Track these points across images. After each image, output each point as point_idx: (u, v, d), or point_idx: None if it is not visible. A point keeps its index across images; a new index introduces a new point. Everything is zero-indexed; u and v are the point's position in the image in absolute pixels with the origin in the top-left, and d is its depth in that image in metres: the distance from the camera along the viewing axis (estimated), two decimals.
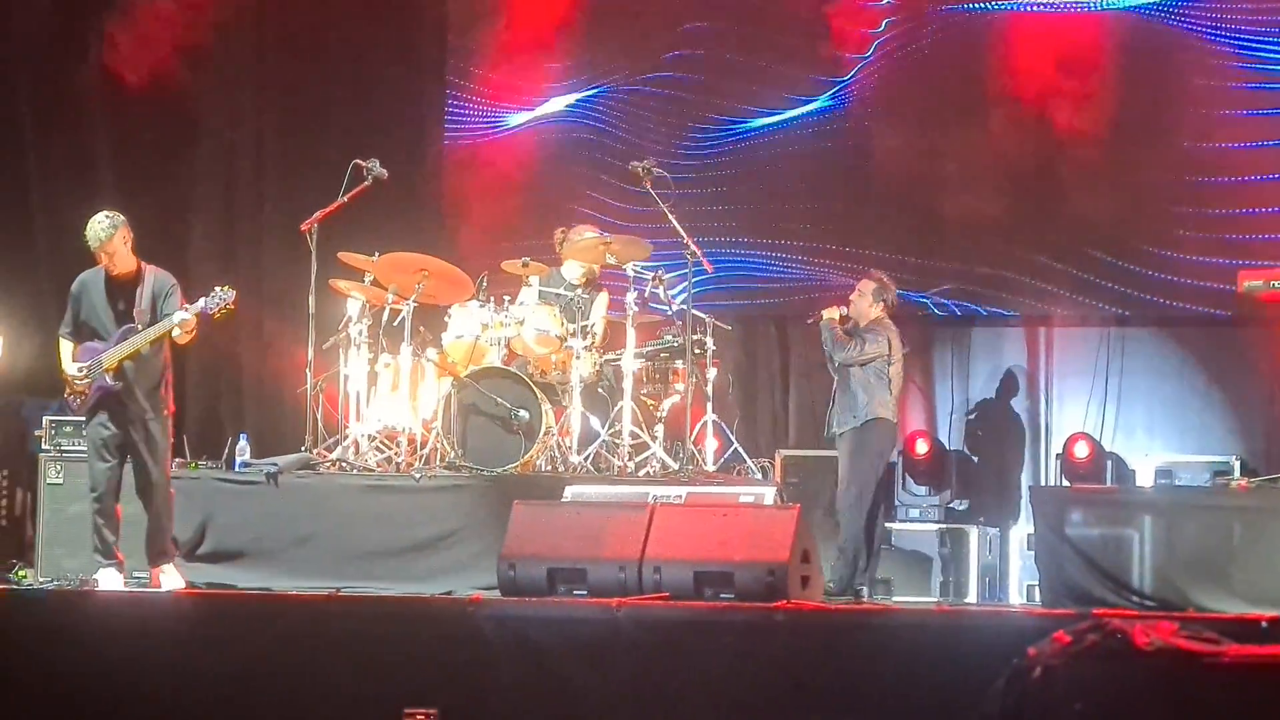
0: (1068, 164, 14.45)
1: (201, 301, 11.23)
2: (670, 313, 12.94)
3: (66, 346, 11.36)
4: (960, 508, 14.01)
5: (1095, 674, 6.53)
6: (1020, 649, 6.73)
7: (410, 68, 16.16)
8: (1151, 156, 14.51)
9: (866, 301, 12.47)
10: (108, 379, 11.16)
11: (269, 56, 16.19)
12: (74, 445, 12.48)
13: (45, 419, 12.87)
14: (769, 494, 11.17)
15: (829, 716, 8.60)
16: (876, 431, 12.15)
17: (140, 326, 11.20)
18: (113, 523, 11.24)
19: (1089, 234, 14.50)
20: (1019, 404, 14.84)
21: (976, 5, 14.91)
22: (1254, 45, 14.34)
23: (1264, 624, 8.25)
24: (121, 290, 11.32)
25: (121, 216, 11.32)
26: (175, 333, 11.20)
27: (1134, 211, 14.50)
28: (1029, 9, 14.81)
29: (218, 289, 11.30)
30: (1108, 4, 14.60)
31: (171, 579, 11.23)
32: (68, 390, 11.33)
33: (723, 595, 9.82)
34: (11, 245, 15.28)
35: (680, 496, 10.86)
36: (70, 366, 11.26)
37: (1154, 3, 14.49)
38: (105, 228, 11.19)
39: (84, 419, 11.43)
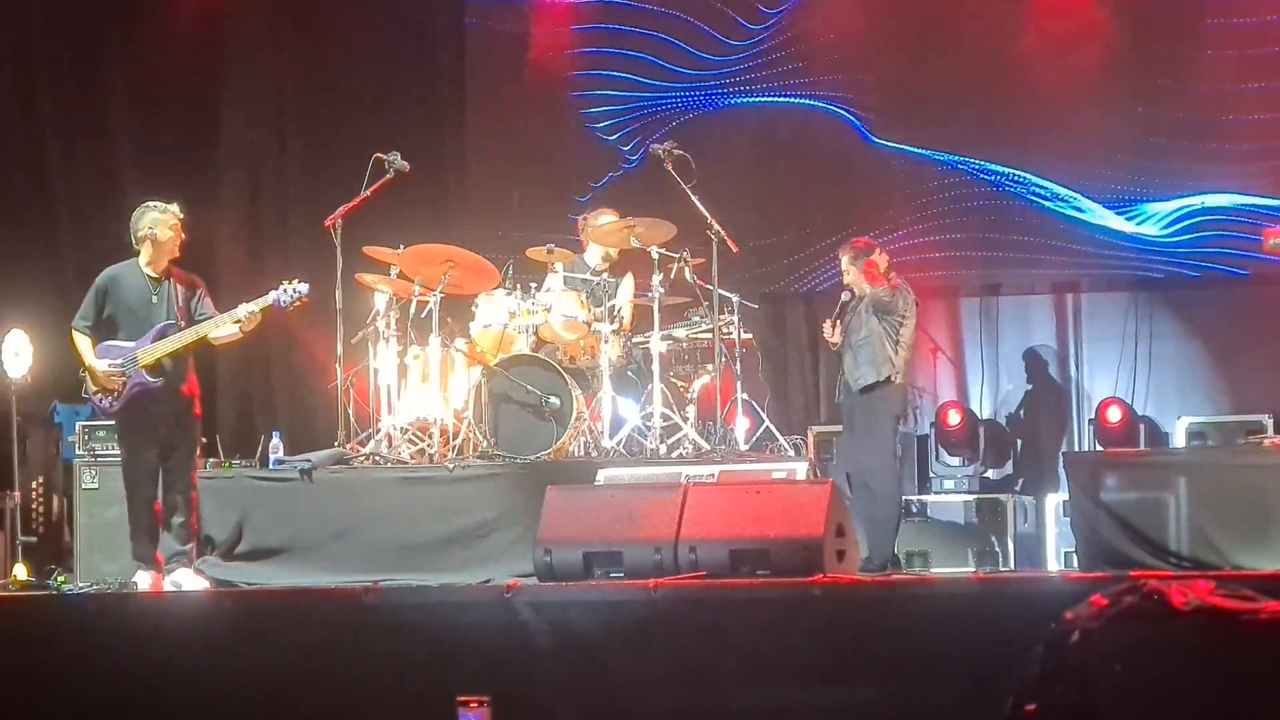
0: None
1: (273, 294, 11.22)
2: (696, 293, 12.92)
3: (84, 341, 11.18)
4: (995, 477, 14.02)
5: (1133, 636, 6.51)
6: (1057, 614, 6.72)
7: (428, 57, 16.20)
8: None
9: (855, 270, 12.21)
10: (146, 376, 11.05)
11: (288, 54, 16.25)
12: (107, 450, 12.51)
13: (78, 424, 12.92)
14: (801, 469, 11.16)
15: (869, 688, 8.60)
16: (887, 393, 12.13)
17: (181, 324, 11.15)
18: (154, 523, 11.18)
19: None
20: (1049, 371, 14.87)
21: None
22: None
23: None
24: (157, 286, 11.25)
25: (177, 208, 11.34)
26: (229, 330, 11.18)
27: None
28: None
29: (287, 283, 11.28)
30: None
31: (190, 581, 11.14)
32: (94, 387, 11.13)
33: (759, 572, 9.81)
34: (38, 251, 15.35)
35: (713, 476, 10.85)
36: (99, 363, 11.07)
37: None
38: (162, 216, 11.19)
39: (114, 418, 11.33)
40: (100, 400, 11.19)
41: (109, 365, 11.07)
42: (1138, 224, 14.63)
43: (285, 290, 11.24)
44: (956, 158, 15.03)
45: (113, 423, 11.79)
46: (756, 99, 15.58)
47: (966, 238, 14.99)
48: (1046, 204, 14.84)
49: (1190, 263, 14.45)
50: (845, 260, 12.27)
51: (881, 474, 11.91)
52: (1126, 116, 14.74)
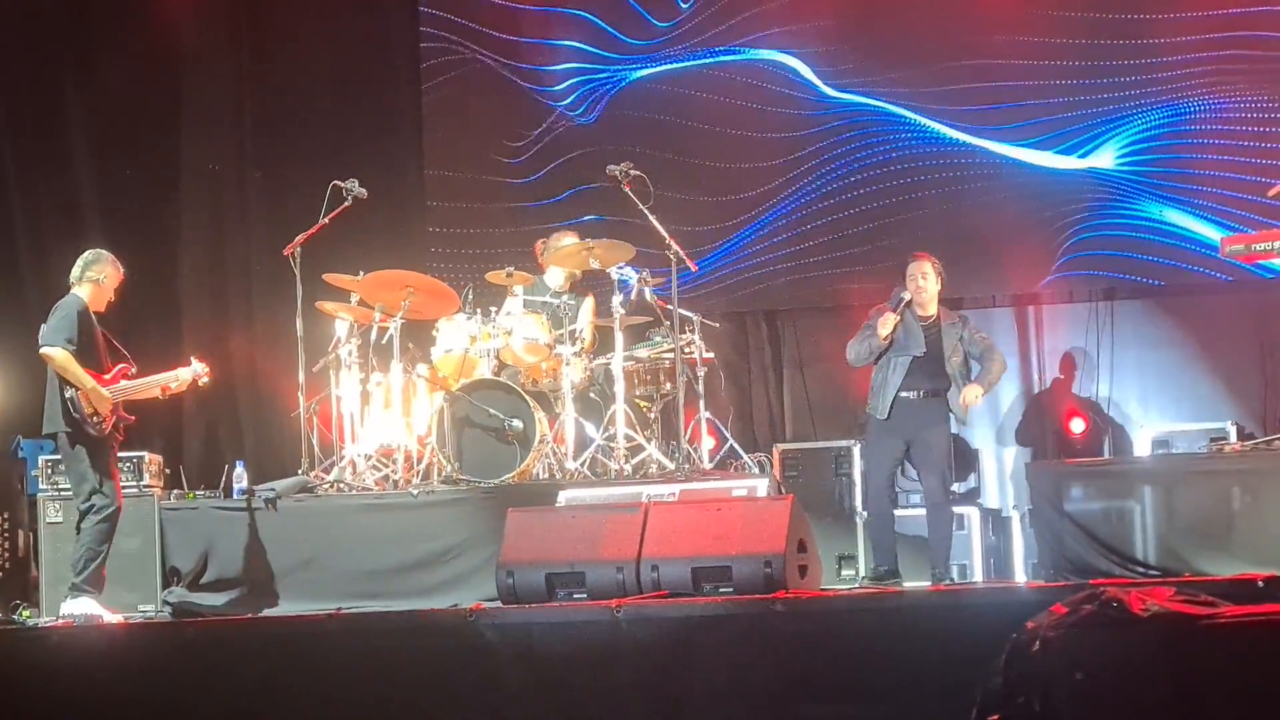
0: None
1: (189, 371, 11.68)
2: (657, 313, 12.91)
3: (74, 361, 11.18)
4: (960, 490, 14.01)
5: (1094, 643, 6.53)
6: (1019, 624, 6.73)
7: (387, 87, 16.21)
8: None
9: (932, 282, 11.86)
10: (123, 414, 11.32)
11: (247, 83, 16.24)
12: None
13: (41, 459, 12.87)
14: (762, 486, 11.16)
15: (834, 704, 8.60)
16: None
17: (133, 367, 11.36)
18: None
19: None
20: (1012, 383, 14.87)
21: None
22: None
23: (1260, 583, 8.26)
24: (105, 327, 11.44)
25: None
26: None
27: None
28: None
29: (197, 362, 11.73)
30: None
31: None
32: (88, 408, 11.14)
33: (721, 589, 9.81)
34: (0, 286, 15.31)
35: (674, 495, 10.85)
36: (102, 388, 11.17)
37: None
38: (113, 267, 11.45)
39: (90, 442, 11.21)
40: (94, 421, 11.17)
41: (110, 393, 11.20)
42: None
43: (196, 368, 11.67)
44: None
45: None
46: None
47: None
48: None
49: (1152, 268, 14.47)
50: (931, 270, 11.86)
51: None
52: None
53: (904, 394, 11.67)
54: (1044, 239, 14.67)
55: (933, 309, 11.82)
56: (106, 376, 11.30)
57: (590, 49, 15.84)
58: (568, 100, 15.84)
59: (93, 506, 11.18)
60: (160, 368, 11.67)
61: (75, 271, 11.46)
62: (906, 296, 11.75)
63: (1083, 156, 14.62)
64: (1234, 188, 14.13)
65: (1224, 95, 14.33)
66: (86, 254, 11.52)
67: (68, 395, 11.16)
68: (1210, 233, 14.05)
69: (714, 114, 15.47)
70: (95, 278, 11.39)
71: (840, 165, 15.24)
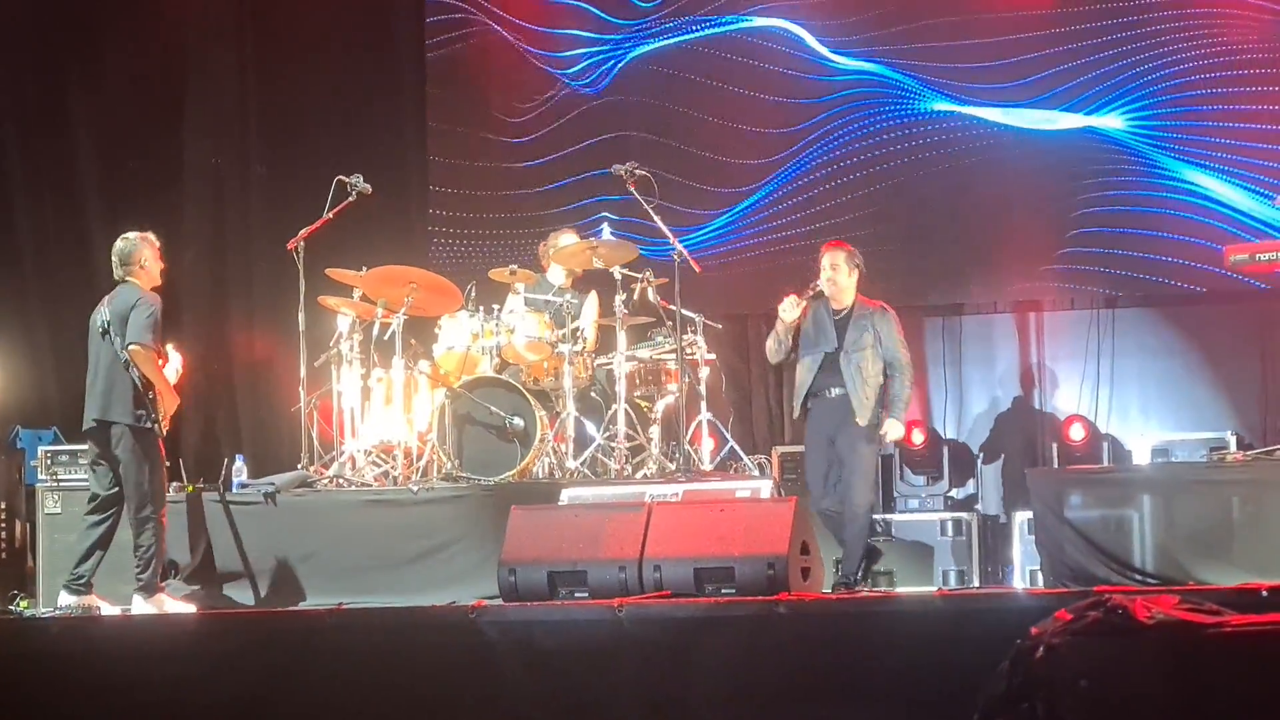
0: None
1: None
2: (660, 313, 12.90)
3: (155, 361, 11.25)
4: (959, 496, 14.03)
5: (1098, 650, 6.51)
6: (1023, 630, 6.72)
7: (392, 83, 16.21)
8: None
9: (845, 273, 11.42)
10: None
11: (251, 79, 16.23)
12: (70, 474, 12.55)
13: (41, 449, 12.88)
14: (765, 488, 11.16)
15: (835, 706, 8.59)
16: None
17: (165, 360, 11.47)
18: None
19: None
20: (1012, 390, 14.88)
21: None
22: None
23: (1264, 592, 8.27)
24: None
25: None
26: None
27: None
28: None
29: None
30: None
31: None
32: (163, 409, 11.21)
33: (724, 590, 9.82)
34: (1, 276, 15.30)
35: (677, 494, 10.85)
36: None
37: None
38: (150, 244, 11.51)
39: (151, 440, 11.22)
40: (159, 422, 11.22)
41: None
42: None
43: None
44: None
45: (75, 447, 12.31)
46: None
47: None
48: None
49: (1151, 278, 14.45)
50: (844, 260, 11.43)
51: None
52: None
53: (816, 393, 11.37)
54: (1051, 217, 14.60)
55: (847, 300, 11.39)
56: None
57: (598, 13, 15.78)
58: (573, 69, 15.80)
59: (143, 503, 11.18)
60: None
61: (122, 258, 11.41)
62: (816, 287, 11.37)
63: (1090, 114, 14.50)
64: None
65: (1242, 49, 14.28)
66: (123, 244, 11.44)
67: (149, 396, 11.16)
68: (1232, 194, 14.03)
69: (722, 79, 15.46)
70: (142, 263, 11.38)
71: (843, 137, 15.19)
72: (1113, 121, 14.50)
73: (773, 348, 11.59)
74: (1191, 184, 14.28)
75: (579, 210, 15.22)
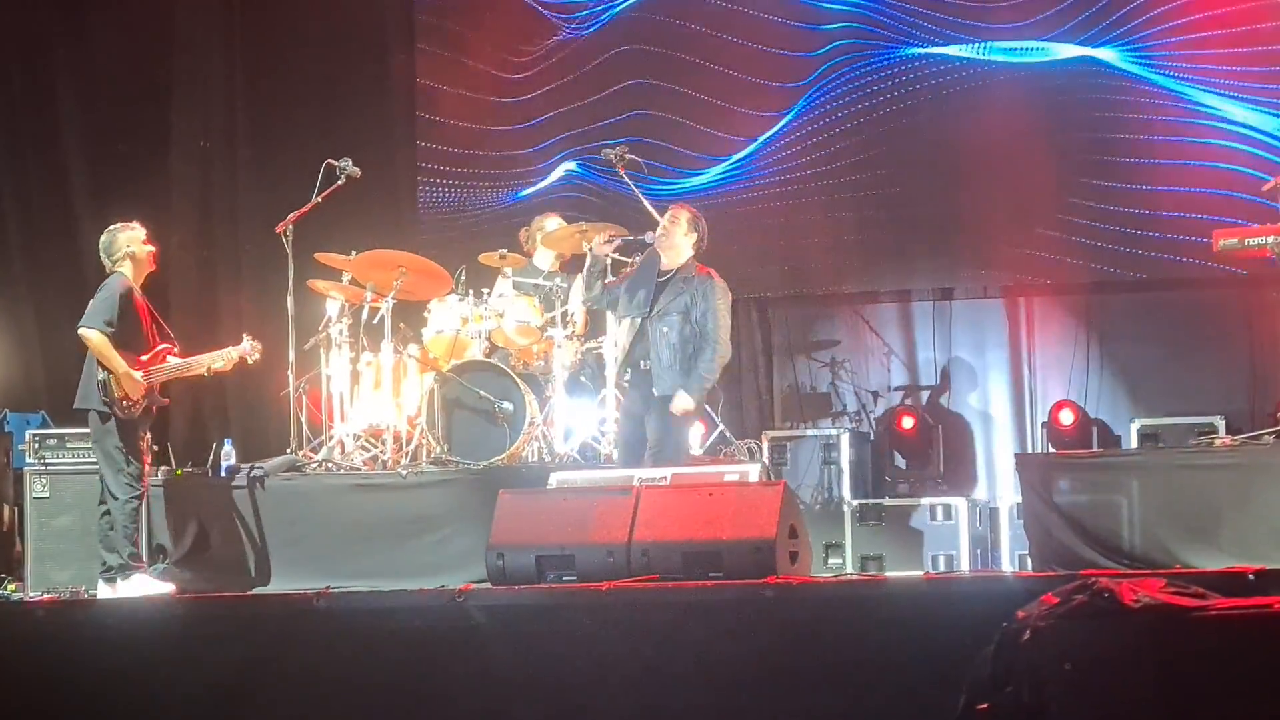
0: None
1: (238, 350, 11.82)
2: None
3: (110, 345, 11.21)
4: (949, 481, 14.04)
5: (1084, 633, 6.54)
6: (1009, 613, 6.74)
7: (380, 65, 16.18)
8: None
9: (681, 231, 11.13)
10: (157, 395, 11.44)
11: (238, 59, 16.20)
12: (58, 459, 12.50)
13: (29, 433, 12.87)
14: (754, 471, 11.14)
15: (823, 689, 8.61)
16: None
17: (176, 347, 11.51)
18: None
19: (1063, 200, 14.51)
20: (1002, 375, 14.88)
21: None
22: None
23: (1251, 575, 8.29)
24: (148, 303, 11.53)
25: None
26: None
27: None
28: None
29: (249, 339, 11.86)
30: None
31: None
32: (119, 393, 11.20)
33: (712, 574, 9.79)
34: None
35: (665, 478, 10.84)
36: (134, 373, 11.23)
37: None
38: (135, 234, 11.50)
39: (124, 425, 11.28)
40: (122, 404, 11.23)
41: (141, 377, 11.26)
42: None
43: (246, 345, 11.79)
44: None
45: (63, 431, 12.31)
46: None
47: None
48: None
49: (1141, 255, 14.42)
50: (685, 219, 11.15)
51: None
52: None
53: (633, 363, 11.17)
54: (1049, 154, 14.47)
55: (675, 261, 11.13)
56: (143, 358, 11.35)
57: None
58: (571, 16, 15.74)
59: (119, 486, 11.23)
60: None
61: (106, 252, 11.49)
62: (649, 239, 11.13)
63: (1084, 45, 14.43)
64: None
65: None
66: (105, 237, 11.51)
67: (100, 378, 11.21)
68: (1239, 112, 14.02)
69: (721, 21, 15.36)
70: (129, 251, 11.43)
71: (832, 90, 15.06)
72: (1108, 54, 14.42)
73: (579, 288, 11.57)
74: (1200, 104, 14.16)
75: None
